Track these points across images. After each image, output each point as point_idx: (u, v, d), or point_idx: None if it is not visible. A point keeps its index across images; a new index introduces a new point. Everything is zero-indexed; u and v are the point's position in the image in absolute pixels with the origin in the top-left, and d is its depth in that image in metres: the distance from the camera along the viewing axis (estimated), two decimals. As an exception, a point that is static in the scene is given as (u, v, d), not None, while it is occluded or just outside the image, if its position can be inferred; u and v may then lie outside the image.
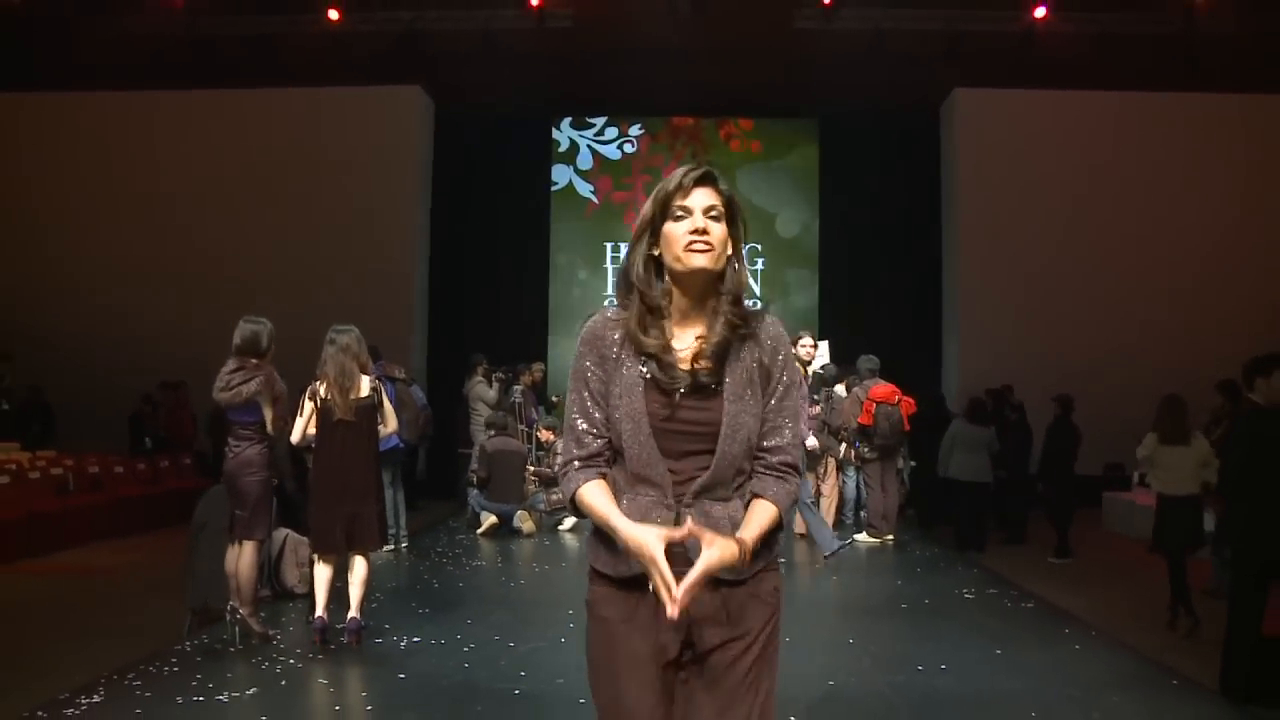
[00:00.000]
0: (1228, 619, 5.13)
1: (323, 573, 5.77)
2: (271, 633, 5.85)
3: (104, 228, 13.83)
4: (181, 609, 6.32)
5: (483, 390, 11.59)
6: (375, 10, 13.33)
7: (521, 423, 11.53)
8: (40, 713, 4.43)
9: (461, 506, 11.30)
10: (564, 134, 15.08)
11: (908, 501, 11.06)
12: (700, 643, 2.08)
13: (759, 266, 14.68)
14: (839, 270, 14.73)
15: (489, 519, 10.17)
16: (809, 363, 9.25)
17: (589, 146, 15.06)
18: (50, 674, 5.15)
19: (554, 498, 10.59)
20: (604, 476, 2.15)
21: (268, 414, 5.77)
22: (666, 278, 2.13)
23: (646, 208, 2.15)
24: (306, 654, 5.53)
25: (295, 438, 5.89)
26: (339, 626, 5.76)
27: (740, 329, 2.12)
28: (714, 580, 2.00)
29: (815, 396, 10.05)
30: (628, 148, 15.04)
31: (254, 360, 5.75)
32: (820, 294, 14.81)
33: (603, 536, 2.13)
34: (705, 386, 2.09)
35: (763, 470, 2.15)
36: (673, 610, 1.92)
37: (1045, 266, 13.47)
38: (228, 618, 5.76)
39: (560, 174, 15.04)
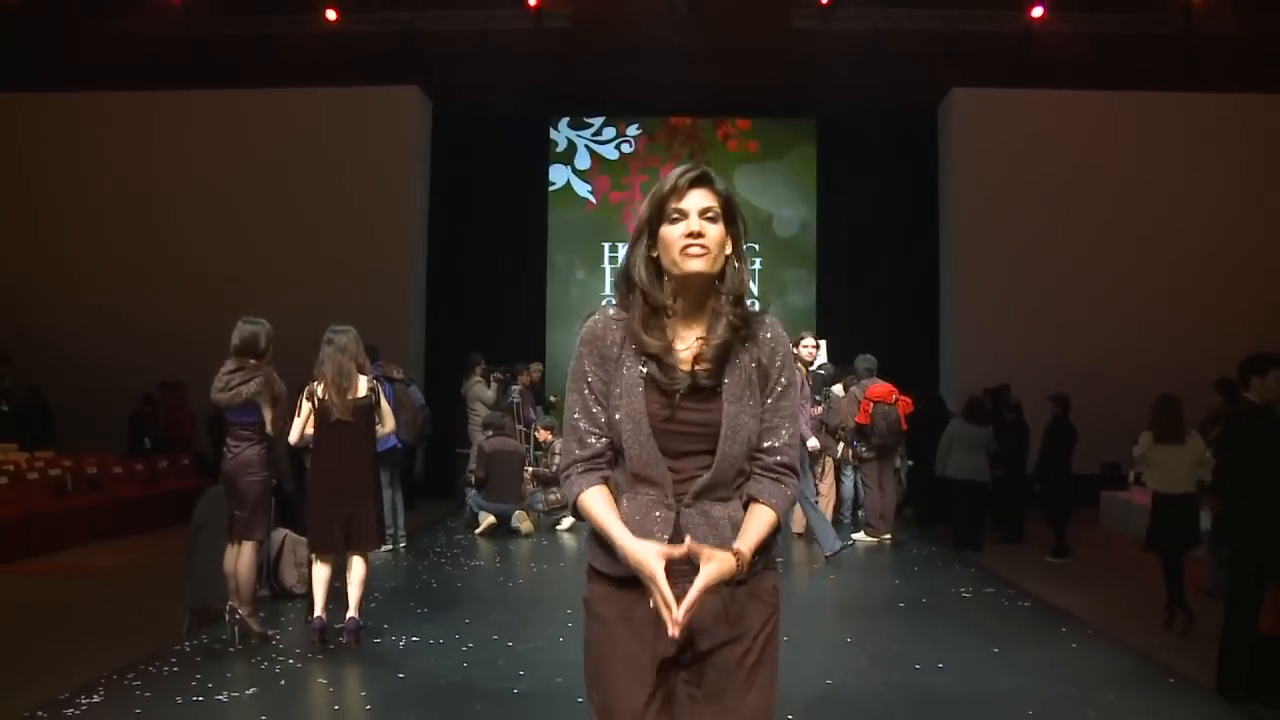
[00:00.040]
0: (1225, 617, 5.14)
1: (321, 572, 5.79)
2: (270, 633, 5.86)
3: (103, 228, 13.83)
4: (180, 609, 6.32)
5: (481, 390, 11.60)
6: (373, 10, 13.33)
7: (520, 423, 11.54)
8: (40, 712, 4.45)
9: (460, 506, 11.31)
10: (562, 134, 15.08)
11: (905, 501, 11.09)
12: (700, 644, 2.08)
13: (756, 266, 14.67)
14: (837, 270, 14.73)
15: (487, 519, 10.18)
16: (811, 363, 9.27)
17: (587, 146, 15.07)
18: (50, 674, 5.15)
19: (552, 497, 10.61)
20: (606, 480, 2.15)
21: (267, 414, 5.78)
22: (667, 279, 2.12)
23: (643, 210, 2.14)
24: (305, 654, 5.54)
25: (293, 438, 5.90)
26: (338, 626, 5.77)
27: (741, 331, 2.11)
28: None
29: (817, 397, 10.06)
30: (625, 148, 15.05)
31: (253, 361, 5.76)
32: (818, 294, 14.82)
33: (602, 538, 2.13)
34: (705, 388, 2.09)
35: (760, 471, 2.14)
36: (674, 630, 1.94)
37: (1043, 266, 13.49)
38: (227, 618, 5.77)
39: (558, 174, 15.04)
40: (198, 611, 6.26)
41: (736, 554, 2.01)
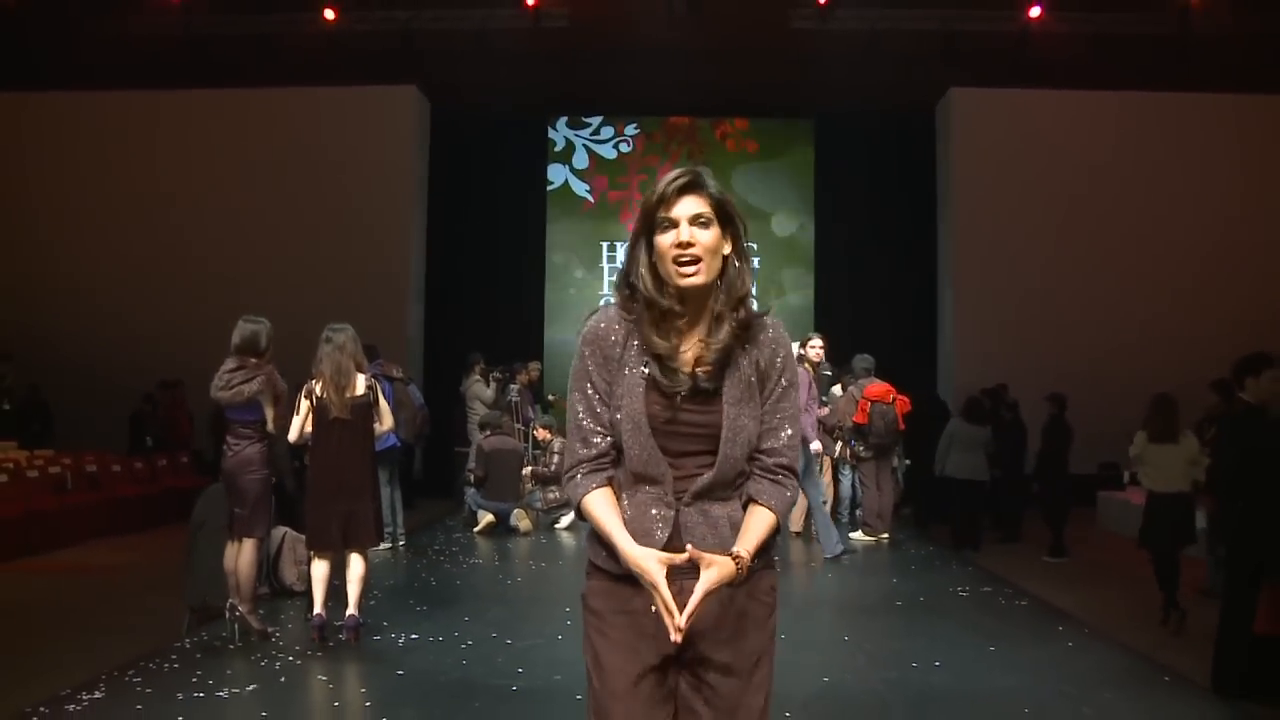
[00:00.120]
0: (1221, 617, 5.16)
1: (319, 570, 5.81)
2: (270, 630, 5.88)
3: (102, 227, 13.81)
4: (180, 607, 6.33)
5: (480, 389, 11.63)
6: (372, 10, 13.33)
7: (518, 421, 11.57)
8: (43, 708, 4.47)
9: (458, 505, 11.34)
10: (560, 133, 15.09)
11: (903, 500, 11.12)
12: (699, 643, 2.09)
13: (755, 266, 14.66)
14: (835, 270, 14.74)
15: (486, 517, 10.21)
16: (819, 364, 9.27)
17: (585, 146, 15.07)
18: (51, 671, 5.16)
19: (550, 496, 10.63)
20: (610, 481, 2.15)
21: (269, 413, 5.81)
22: (668, 286, 2.10)
23: (636, 219, 2.14)
24: (305, 651, 5.56)
25: (292, 436, 5.92)
26: (337, 624, 5.79)
27: (742, 334, 2.11)
28: None
29: (824, 398, 10.05)
30: (624, 147, 15.05)
31: (253, 359, 5.78)
32: (816, 293, 14.82)
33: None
34: (706, 390, 2.09)
35: (759, 473, 2.15)
36: (676, 636, 1.97)
37: (1041, 266, 13.51)
38: (227, 615, 5.79)
39: (556, 173, 15.05)
40: (197, 609, 6.27)
41: (736, 558, 2.02)
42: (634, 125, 15.04)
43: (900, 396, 9.82)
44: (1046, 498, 9.93)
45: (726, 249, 2.12)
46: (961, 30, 13.10)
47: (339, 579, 5.89)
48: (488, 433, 10.51)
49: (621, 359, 2.13)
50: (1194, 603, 6.75)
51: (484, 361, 11.92)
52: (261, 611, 6.05)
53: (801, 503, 9.50)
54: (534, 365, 12.75)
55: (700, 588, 1.97)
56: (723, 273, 2.13)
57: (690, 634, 2.01)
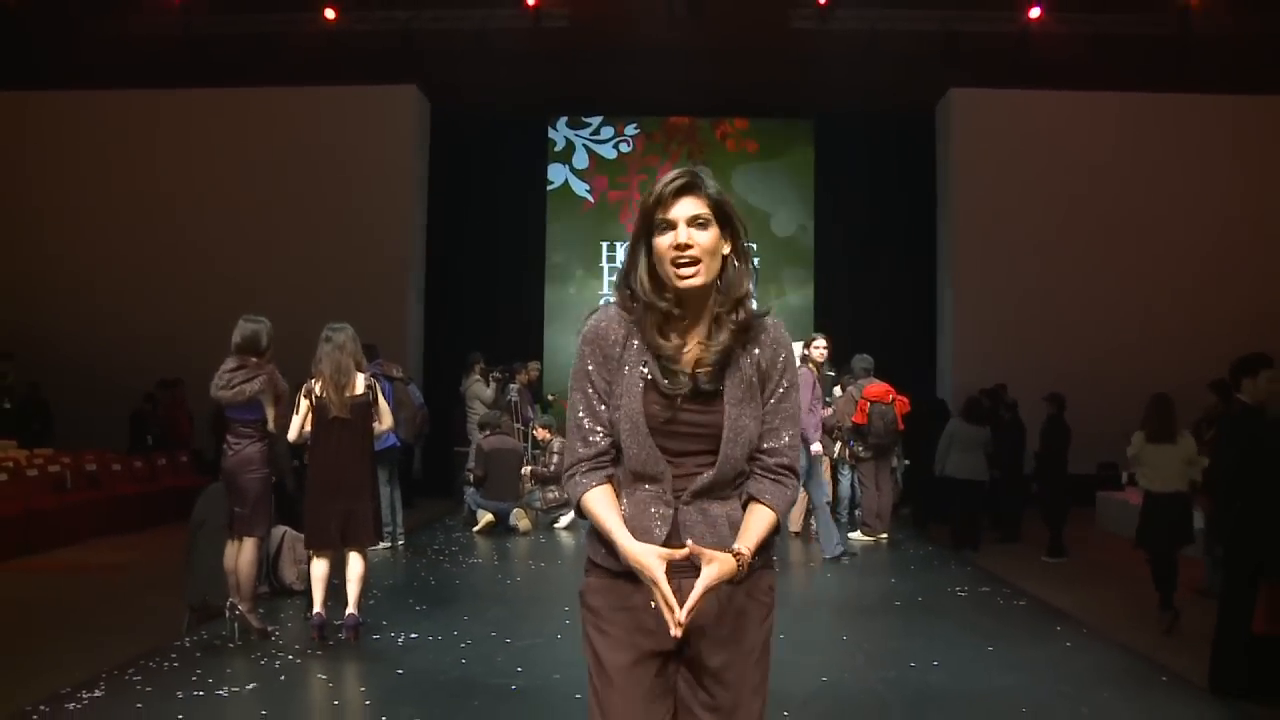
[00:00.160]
0: (1219, 617, 5.17)
1: (319, 569, 5.82)
2: (270, 629, 5.90)
3: (102, 226, 13.82)
4: (180, 606, 6.34)
5: (480, 389, 11.64)
6: (372, 10, 13.34)
7: (518, 421, 11.58)
8: (43, 706, 4.48)
9: (458, 504, 11.35)
10: (560, 133, 15.10)
11: (902, 500, 11.13)
12: (697, 642, 2.10)
13: (755, 266, 14.65)
14: (835, 270, 14.75)
15: (485, 517, 10.22)
16: (823, 364, 9.26)
17: (585, 146, 15.08)
18: (51, 670, 5.17)
19: (550, 495, 10.64)
20: (610, 479, 2.16)
21: (270, 412, 5.82)
22: (666, 290, 2.10)
23: (636, 220, 2.14)
24: (305, 650, 5.57)
25: (292, 435, 5.93)
26: (337, 623, 5.80)
27: (742, 334, 2.12)
28: None
29: (828, 399, 10.04)
30: (623, 147, 15.06)
31: (254, 359, 5.79)
32: (815, 293, 14.83)
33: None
34: (707, 391, 2.10)
35: (760, 472, 2.16)
36: (676, 631, 1.97)
37: (1040, 266, 13.52)
38: (227, 614, 5.79)
39: (556, 173, 15.06)
40: (197, 608, 6.28)
41: (737, 555, 2.03)
42: (634, 125, 15.05)
43: (899, 397, 9.83)
44: (1045, 498, 9.94)
45: (725, 250, 2.12)
46: (961, 30, 13.10)
47: (338, 578, 5.90)
48: (487, 432, 10.52)
49: (621, 358, 2.14)
50: (1191, 602, 6.77)
51: (484, 361, 11.94)
52: (261, 610, 6.06)
53: (800, 503, 9.51)
54: (533, 365, 12.76)
55: (701, 583, 1.98)
56: (722, 273, 2.13)
57: (689, 631, 2.01)
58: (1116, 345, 13.13)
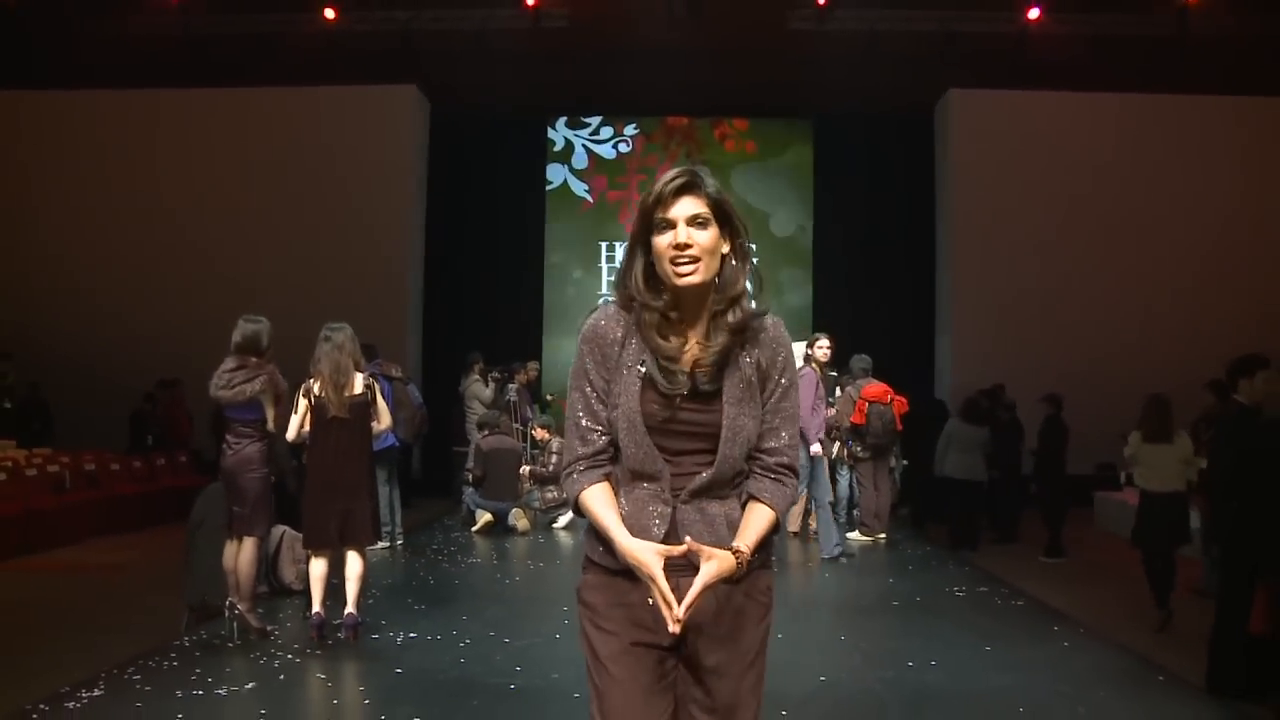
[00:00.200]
0: (1216, 617, 5.18)
1: (317, 568, 5.82)
2: (269, 628, 5.90)
3: (102, 226, 13.82)
4: (179, 605, 6.34)
5: (479, 389, 11.64)
6: (371, 10, 13.34)
7: (517, 421, 11.58)
8: (43, 705, 4.49)
9: (457, 504, 11.36)
10: (559, 133, 15.10)
11: (900, 500, 11.13)
12: (695, 642, 2.10)
13: (754, 264, 14.64)
14: (833, 270, 14.76)
15: (484, 516, 10.23)
16: (826, 363, 9.26)
17: (584, 146, 15.09)
18: (50, 670, 5.17)
19: (548, 495, 10.64)
20: (608, 478, 2.16)
21: (270, 412, 5.82)
22: (664, 289, 2.11)
23: (635, 220, 2.14)
24: (304, 649, 5.58)
25: (291, 435, 5.93)
26: (336, 622, 5.81)
27: (740, 334, 2.12)
28: None
29: (831, 399, 10.03)
30: (623, 147, 15.07)
31: (254, 359, 5.80)
32: (814, 294, 14.84)
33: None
34: (706, 391, 2.10)
35: (760, 472, 2.16)
36: (674, 627, 1.97)
37: (1040, 266, 13.53)
38: (226, 613, 5.80)
39: (555, 173, 15.06)
40: (196, 608, 6.28)
41: (736, 553, 2.03)
42: (633, 125, 15.05)
43: (898, 397, 9.83)
44: (1044, 498, 9.94)
45: (725, 249, 2.13)
46: (960, 31, 13.10)
47: (337, 577, 5.91)
48: (486, 432, 10.53)
49: (620, 358, 2.14)
50: (1189, 602, 6.78)
51: (483, 361, 11.94)
52: (260, 610, 6.06)
53: (799, 502, 9.51)
54: (532, 365, 12.77)
55: (699, 580, 1.98)
56: (720, 272, 2.13)
57: (686, 629, 2.01)
58: (1116, 345, 13.14)
